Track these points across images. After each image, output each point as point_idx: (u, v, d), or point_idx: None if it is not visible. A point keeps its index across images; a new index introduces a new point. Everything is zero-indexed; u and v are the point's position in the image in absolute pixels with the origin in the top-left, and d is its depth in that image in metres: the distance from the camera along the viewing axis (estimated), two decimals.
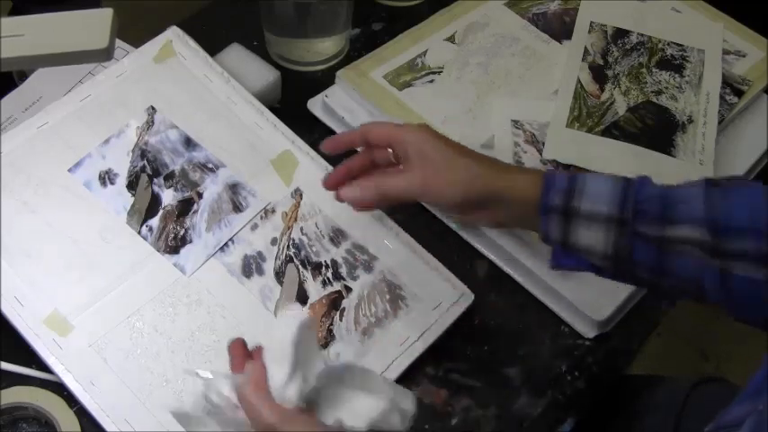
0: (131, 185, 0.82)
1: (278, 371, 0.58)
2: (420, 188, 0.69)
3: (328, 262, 0.81)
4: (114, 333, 0.74)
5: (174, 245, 0.80)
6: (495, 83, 0.95)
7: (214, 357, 0.74)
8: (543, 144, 0.89)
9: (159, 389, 0.72)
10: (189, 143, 0.85)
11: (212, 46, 0.92)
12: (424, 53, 0.97)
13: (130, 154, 0.84)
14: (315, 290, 0.79)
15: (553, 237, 0.69)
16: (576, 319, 0.82)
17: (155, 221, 0.81)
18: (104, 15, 0.61)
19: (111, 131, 0.85)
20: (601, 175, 0.69)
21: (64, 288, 0.75)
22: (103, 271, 0.77)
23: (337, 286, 0.80)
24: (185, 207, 0.82)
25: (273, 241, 0.81)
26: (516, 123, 0.91)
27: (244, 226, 0.82)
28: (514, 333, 0.81)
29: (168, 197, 0.82)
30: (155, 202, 0.82)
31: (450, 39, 0.99)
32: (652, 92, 0.95)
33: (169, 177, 0.83)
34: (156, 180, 0.83)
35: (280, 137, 0.87)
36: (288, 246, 0.81)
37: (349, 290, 0.80)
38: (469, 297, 0.80)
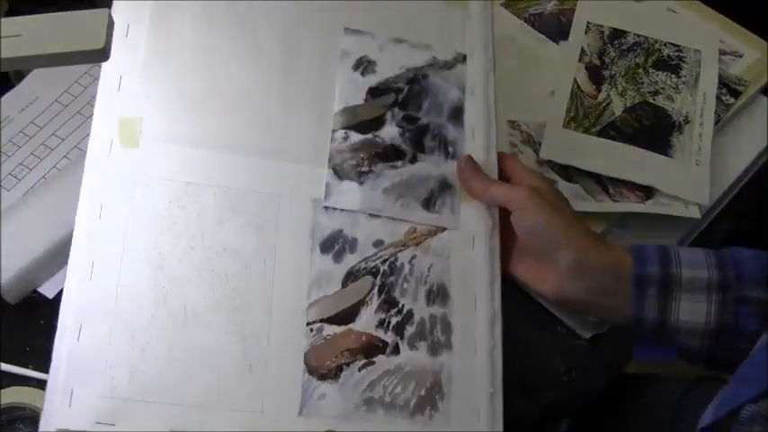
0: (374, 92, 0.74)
1: None
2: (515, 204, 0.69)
3: (404, 310, 0.68)
4: None
5: (342, 170, 0.70)
6: None
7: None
8: (540, 144, 0.89)
9: None
10: (457, 115, 0.75)
11: None
12: None
13: (402, 69, 0.76)
14: (366, 321, 0.67)
15: (649, 315, 0.64)
16: (573, 320, 0.82)
17: (355, 136, 0.72)
18: (100, 16, 0.60)
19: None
20: (688, 247, 0.67)
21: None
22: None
23: (389, 338, 0.67)
24: (390, 155, 0.72)
25: (377, 243, 0.69)
26: (513, 124, 0.91)
27: (413, 225, 0.70)
28: (511, 333, 0.81)
29: (390, 133, 0.73)
30: (375, 124, 0.73)
31: None
32: (648, 92, 0.95)
33: (410, 120, 0.74)
34: (394, 110, 0.74)
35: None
36: (385, 260, 0.69)
37: (396, 351, 0.66)
38: None
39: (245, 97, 0.71)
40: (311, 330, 0.65)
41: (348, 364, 0.65)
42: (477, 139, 0.74)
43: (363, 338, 0.66)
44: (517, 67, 0.97)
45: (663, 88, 0.96)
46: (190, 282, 0.65)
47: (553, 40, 1.00)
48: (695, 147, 0.91)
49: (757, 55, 1.01)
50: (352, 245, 0.68)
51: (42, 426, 0.59)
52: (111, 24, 0.60)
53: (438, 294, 0.68)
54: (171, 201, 0.67)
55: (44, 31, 0.60)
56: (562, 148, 0.89)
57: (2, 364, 0.72)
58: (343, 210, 0.69)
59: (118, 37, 0.67)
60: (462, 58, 0.77)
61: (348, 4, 0.77)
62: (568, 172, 0.88)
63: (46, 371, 0.71)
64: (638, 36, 1.00)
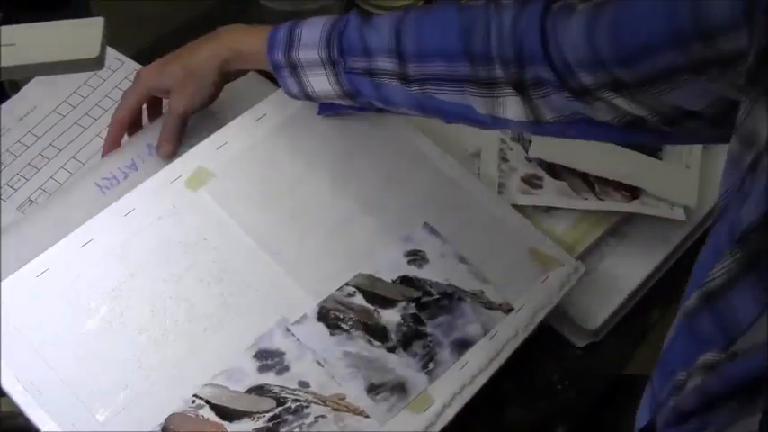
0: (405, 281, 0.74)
1: None
2: (187, 99, 0.77)
3: None
4: None
5: (326, 314, 0.71)
6: None
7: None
8: (530, 142, 0.89)
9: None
10: (462, 347, 0.72)
11: None
12: None
13: (446, 281, 0.74)
14: (240, 429, 0.65)
15: (294, 91, 0.74)
16: (567, 328, 0.82)
17: (359, 299, 0.72)
18: (95, 24, 0.61)
19: None
20: (316, 20, 0.73)
21: None
22: None
23: None
24: (375, 333, 0.71)
25: (303, 384, 0.68)
26: None
27: (345, 394, 0.68)
28: None
29: (390, 317, 0.72)
30: (384, 302, 0.72)
31: None
32: None
33: (417, 320, 0.72)
34: (410, 304, 0.73)
35: None
36: (297, 401, 0.67)
37: None
38: None
39: (305, 217, 0.76)
40: (193, 401, 0.66)
41: None
42: (463, 373, 0.70)
43: None
44: None
45: None
46: (143, 300, 0.69)
47: None
48: (686, 150, 0.90)
49: None
50: (282, 370, 0.68)
51: None
52: (105, 32, 0.61)
53: None
54: (183, 239, 0.72)
55: (38, 40, 0.61)
56: (551, 147, 0.88)
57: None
58: (299, 340, 0.70)
59: (248, 117, 0.79)
60: (507, 309, 0.74)
61: (442, 204, 0.79)
62: (556, 169, 0.88)
63: None
64: None
